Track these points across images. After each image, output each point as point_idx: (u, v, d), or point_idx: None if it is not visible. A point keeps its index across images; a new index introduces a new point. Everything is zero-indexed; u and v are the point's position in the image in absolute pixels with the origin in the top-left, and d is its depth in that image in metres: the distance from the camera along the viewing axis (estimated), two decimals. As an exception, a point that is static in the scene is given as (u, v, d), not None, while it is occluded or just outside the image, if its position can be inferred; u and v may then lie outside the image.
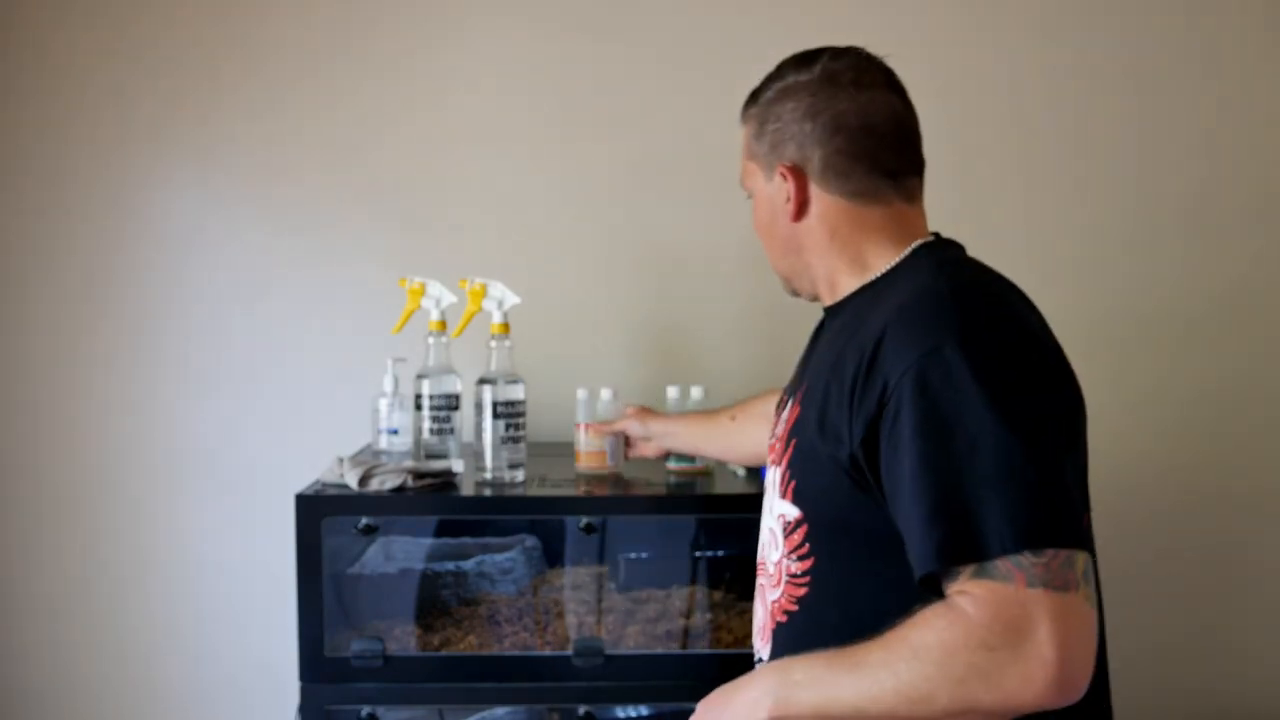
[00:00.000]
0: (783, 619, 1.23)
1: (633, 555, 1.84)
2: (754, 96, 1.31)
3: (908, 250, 1.23)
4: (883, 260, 1.24)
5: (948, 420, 1.04)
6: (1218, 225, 2.24)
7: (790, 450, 1.22)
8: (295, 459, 2.05)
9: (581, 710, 1.70)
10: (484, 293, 1.83)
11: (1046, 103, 2.22)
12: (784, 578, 1.23)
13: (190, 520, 2.22)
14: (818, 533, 1.19)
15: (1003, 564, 0.99)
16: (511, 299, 1.82)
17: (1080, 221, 2.23)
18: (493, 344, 1.78)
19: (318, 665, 1.68)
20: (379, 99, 2.20)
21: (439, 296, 1.88)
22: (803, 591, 1.20)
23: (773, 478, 1.27)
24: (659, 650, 1.75)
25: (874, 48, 1.26)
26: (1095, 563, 1.06)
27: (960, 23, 2.22)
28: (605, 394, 1.86)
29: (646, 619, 1.79)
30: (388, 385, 1.94)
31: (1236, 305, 2.25)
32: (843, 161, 1.22)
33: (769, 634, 1.25)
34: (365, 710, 1.69)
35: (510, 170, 2.21)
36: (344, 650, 1.69)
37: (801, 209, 1.25)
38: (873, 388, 1.10)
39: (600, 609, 1.82)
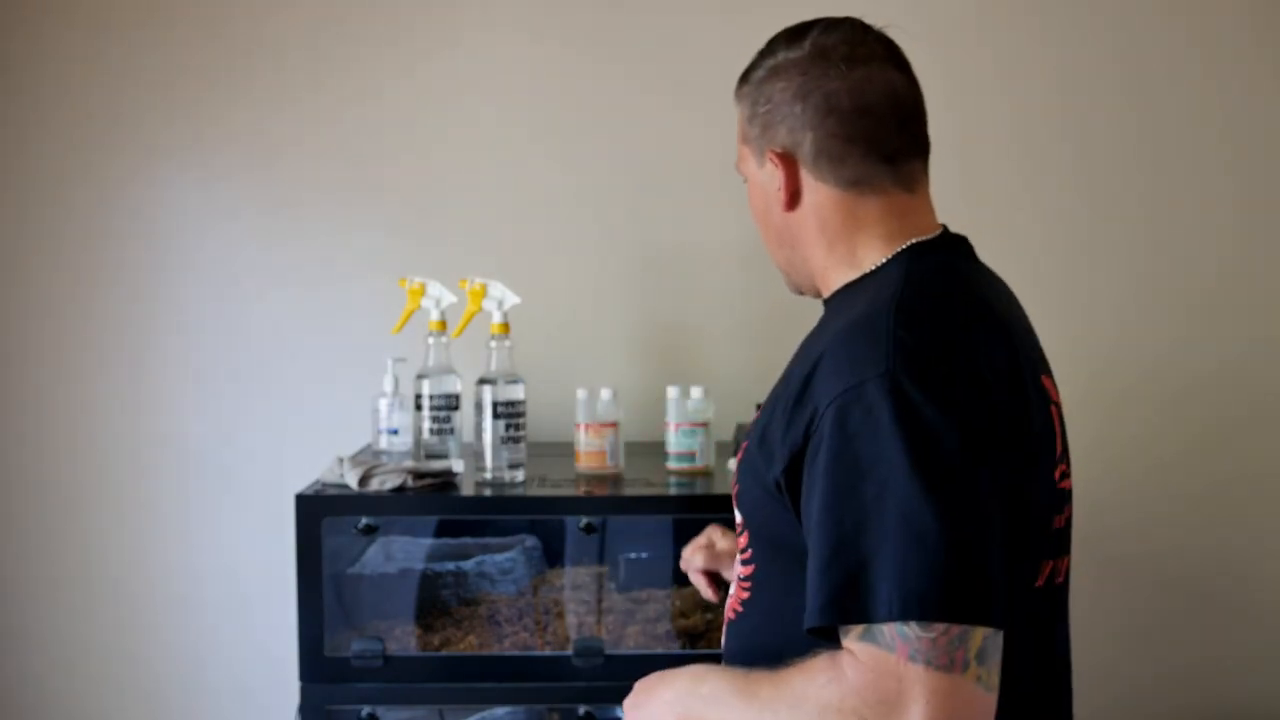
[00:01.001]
0: (732, 616, 1.21)
1: (633, 555, 1.84)
2: (746, 75, 1.22)
3: (898, 250, 1.14)
4: (871, 259, 1.15)
5: (860, 464, 0.98)
6: (1210, 218, 2.24)
7: (741, 453, 1.20)
8: (295, 459, 2.05)
9: (581, 710, 1.70)
10: (484, 293, 1.83)
11: (1040, 91, 2.22)
12: (735, 581, 1.22)
13: (190, 520, 2.22)
14: (757, 541, 1.16)
15: (888, 630, 0.94)
16: (511, 299, 1.82)
17: (1071, 212, 2.23)
18: (493, 344, 1.78)
19: (318, 665, 1.68)
20: (380, 100, 2.20)
21: (439, 296, 1.88)
22: (746, 595, 1.18)
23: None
24: (659, 650, 1.75)
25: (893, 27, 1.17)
26: (1014, 634, 0.99)
27: (967, 11, 2.22)
28: (605, 394, 1.86)
29: (646, 619, 1.79)
30: (388, 385, 1.94)
31: (1229, 298, 2.25)
32: (836, 146, 1.13)
33: (725, 627, 1.25)
34: (365, 710, 1.69)
35: (510, 171, 2.21)
36: (344, 650, 1.69)
37: (794, 198, 1.17)
38: (801, 415, 1.05)
39: (600, 609, 1.82)
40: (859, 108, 1.12)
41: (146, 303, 2.21)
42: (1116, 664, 2.19)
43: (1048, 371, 1.16)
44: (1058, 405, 1.14)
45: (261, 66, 2.19)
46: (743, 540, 1.18)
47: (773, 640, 1.09)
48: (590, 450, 1.81)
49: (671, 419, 1.88)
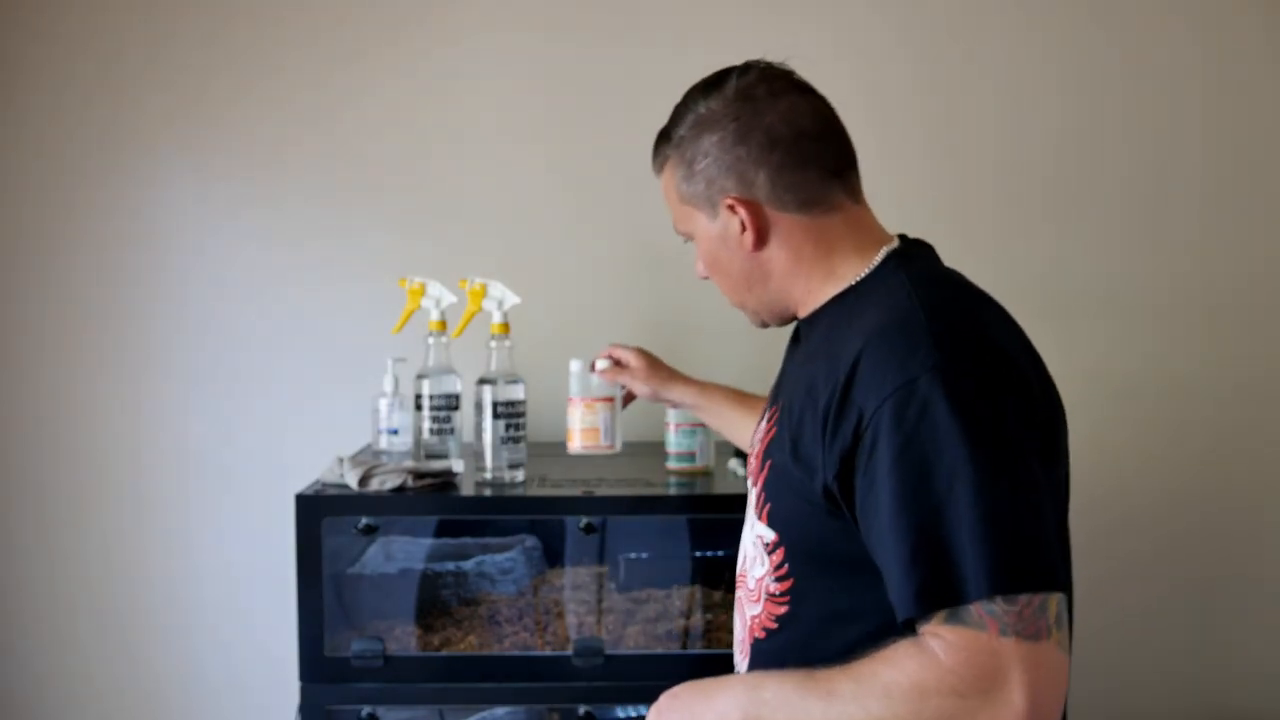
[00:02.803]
0: (762, 635, 1.21)
1: (633, 555, 1.84)
2: (665, 136, 1.26)
3: (877, 258, 1.19)
4: (852, 269, 1.19)
5: (925, 458, 1.01)
6: (1207, 216, 2.24)
7: (766, 471, 1.20)
8: (295, 459, 2.05)
9: (581, 710, 1.70)
10: (484, 293, 1.83)
11: (1032, 93, 2.22)
12: (764, 595, 1.21)
13: (190, 520, 2.22)
14: (795, 555, 1.17)
15: (976, 610, 0.98)
16: (511, 299, 1.82)
17: (1065, 208, 2.23)
18: (493, 344, 1.78)
19: (318, 665, 1.68)
20: (380, 100, 2.20)
21: (439, 296, 1.88)
22: (782, 610, 1.18)
23: (751, 496, 1.24)
24: (659, 650, 1.75)
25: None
26: (1070, 600, 1.05)
27: (958, 21, 2.22)
28: (601, 364, 1.78)
29: (646, 619, 1.79)
30: (388, 385, 1.94)
31: (1226, 297, 2.25)
32: (788, 174, 1.17)
33: (748, 648, 1.24)
34: (365, 710, 1.69)
35: (510, 171, 2.21)
36: (344, 650, 1.69)
37: (761, 237, 1.19)
38: (847, 419, 1.06)
39: (600, 609, 1.82)
40: (798, 134, 1.17)
41: (146, 303, 2.21)
42: (1116, 664, 2.19)
43: None
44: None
45: (261, 67, 2.19)
46: (776, 557, 1.18)
47: (828, 647, 1.09)
48: (586, 427, 1.71)
49: (671, 419, 1.88)
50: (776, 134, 1.17)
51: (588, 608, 1.82)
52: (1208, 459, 2.25)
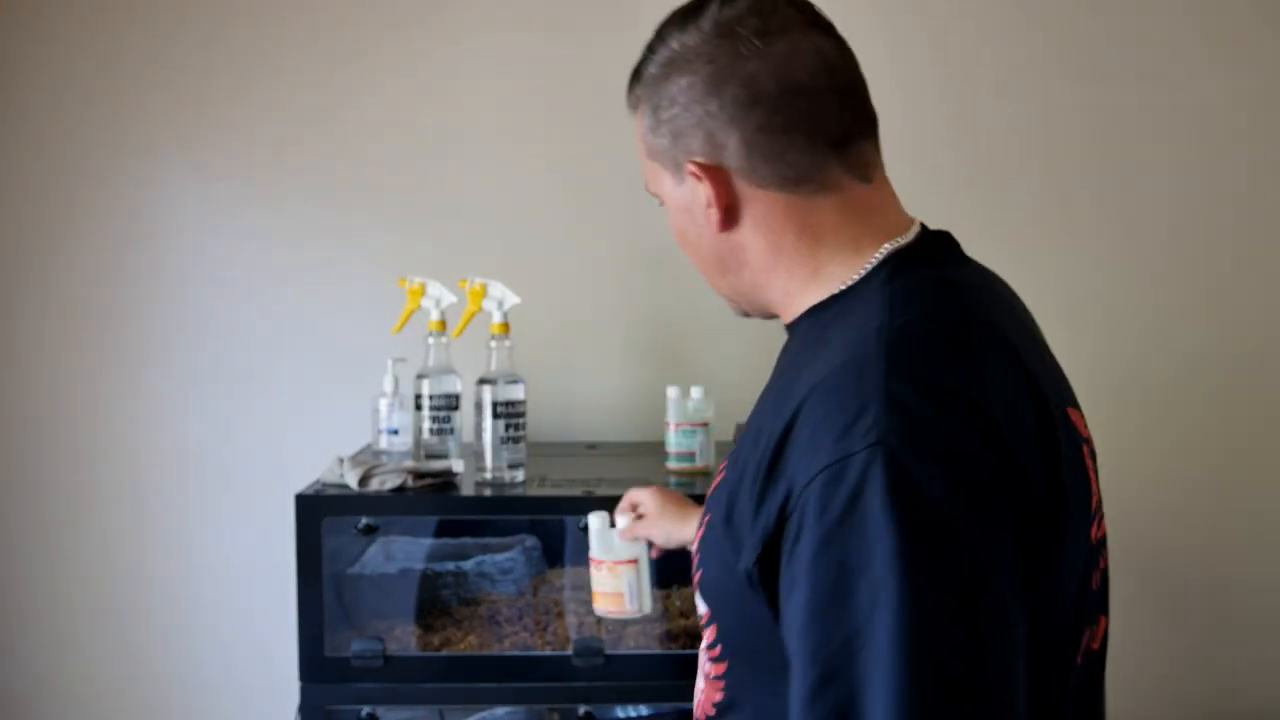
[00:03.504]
0: (709, 715, 1.00)
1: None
2: (636, 73, 1.00)
3: (874, 259, 0.93)
4: (841, 274, 0.94)
5: (846, 564, 0.77)
6: (1208, 217, 2.24)
7: (704, 526, 0.96)
8: (295, 459, 2.04)
9: (581, 710, 1.70)
10: (484, 293, 1.83)
11: (1033, 93, 2.22)
12: (704, 674, 1.00)
13: (190, 520, 2.22)
14: (727, 640, 0.95)
15: None
16: (511, 299, 1.82)
17: (1063, 208, 2.23)
18: (493, 344, 1.78)
19: (318, 665, 1.68)
20: (379, 100, 2.20)
21: (439, 296, 1.88)
22: (720, 697, 0.97)
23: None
24: (659, 650, 1.75)
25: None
26: None
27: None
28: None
29: (647, 619, 1.79)
30: (388, 385, 1.94)
31: (1231, 297, 2.25)
32: (769, 140, 0.91)
33: None
34: (365, 710, 1.69)
35: (510, 170, 2.21)
36: (344, 650, 1.69)
37: (729, 215, 0.94)
38: (774, 492, 0.83)
39: (600, 609, 1.82)
40: (788, 88, 0.91)
41: (146, 303, 2.21)
42: (1117, 664, 2.19)
43: (1073, 401, 0.96)
44: (1089, 443, 0.95)
45: (261, 67, 2.19)
46: (710, 634, 0.97)
47: None
48: (609, 592, 1.52)
49: (671, 419, 1.88)
50: (759, 87, 0.91)
51: (588, 608, 1.82)
52: (1208, 459, 2.25)
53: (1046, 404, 0.87)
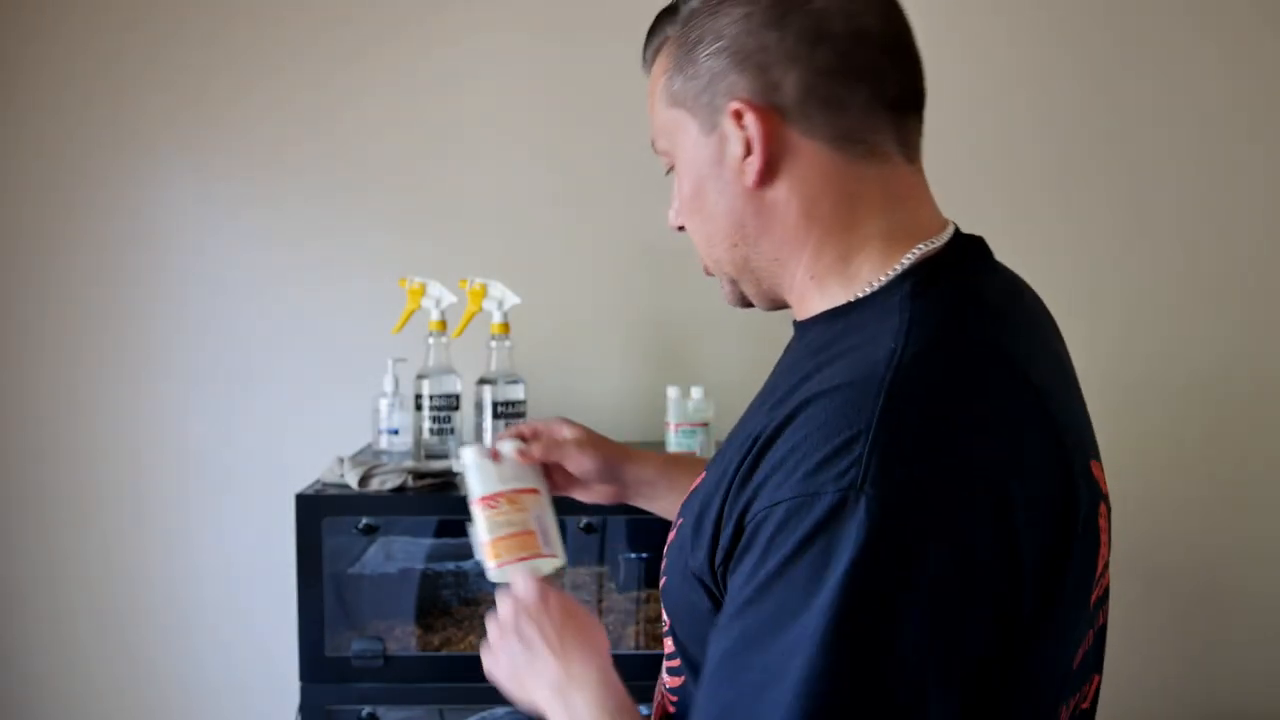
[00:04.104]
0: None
1: (633, 555, 1.84)
2: (670, 10, 0.88)
3: (904, 262, 0.83)
4: (867, 273, 0.84)
5: (783, 606, 0.70)
6: (1215, 214, 2.24)
7: (675, 529, 0.90)
8: (295, 459, 2.05)
9: (581, 710, 1.70)
10: (484, 293, 1.83)
11: (1040, 92, 2.22)
12: (661, 688, 0.96)
13: (190, 520, 2.22)
14: (684, 651, 0.89)
15: None
16: (511, 299, 1.82)
17: (1070, 207, 2.23)
18: (493, 344, 1.78)
19: (318, 665, 1.68)
20: (379, 100, 2.20)
21: (439, 296, 1.88)
22: (672, 710, 0.93)
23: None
24: (658, 650, 1.75)
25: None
26: None
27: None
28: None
29: (646, 619, 1.79)
30: (388, 385, 1.94)
31: (1231, 297, 2.25)
32: (829, 85, 0.81)
33: None
34: (365, 710, 1.69)
35: (510, 170, 2.21)
36: (344, 650, 1.69)
37: (771, 165, 0.83)
38: (742, 495, 0.77)
39: (600, 609, 1.82)
40: (855, 32, 0.81)
41: (146, 303, 2.21)
42: (1117, 664, 2.19)
43: (1096, 453, 0.87)
44: (1106, 499, 0.87)
45: (261, 67, 2.19)
46: (669, 644, 0.92)
47: None
48: (505, 535, 1.33)
49: (671, 419, 1.88)
50: (828, 25, 0.81)
51: (587, 608, 1.82)
52: (1207, 460, 2.25)
53: (1070, 466, 0.78)
